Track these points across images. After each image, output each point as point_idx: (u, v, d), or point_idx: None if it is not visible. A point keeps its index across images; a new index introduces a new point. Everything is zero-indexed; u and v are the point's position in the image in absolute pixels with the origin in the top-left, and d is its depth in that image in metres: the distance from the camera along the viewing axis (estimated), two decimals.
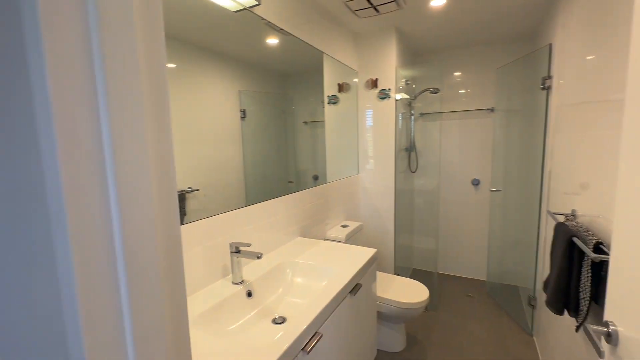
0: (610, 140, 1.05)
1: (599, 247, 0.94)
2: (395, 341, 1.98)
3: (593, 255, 0.88)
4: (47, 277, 0.30)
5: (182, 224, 1.07)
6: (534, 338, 2.08)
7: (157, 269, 0.36)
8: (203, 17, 1.17)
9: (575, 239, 1.02)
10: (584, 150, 1.30)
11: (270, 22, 1.48)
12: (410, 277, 2.14)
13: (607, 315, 0.72)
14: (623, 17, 0.99)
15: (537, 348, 1.97)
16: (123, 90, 0.32)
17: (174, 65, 1.08)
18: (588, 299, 0.98)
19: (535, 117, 2.12)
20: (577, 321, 1.06)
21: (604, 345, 0.71)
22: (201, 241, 1.13)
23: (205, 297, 1.06)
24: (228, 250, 1.23)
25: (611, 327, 0.68)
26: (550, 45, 1.83)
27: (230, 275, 1.21)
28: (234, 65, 1.36)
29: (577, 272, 1.05)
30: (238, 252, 1.17)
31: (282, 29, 1.57)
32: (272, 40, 1.55)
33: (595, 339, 0.67)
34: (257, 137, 1.55)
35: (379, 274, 2.10)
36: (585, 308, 1.00)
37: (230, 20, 1.28)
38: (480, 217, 2.91)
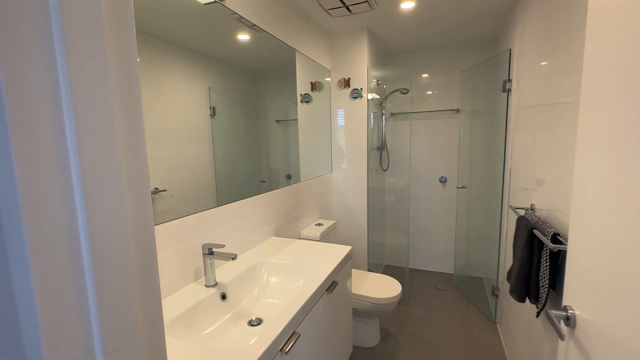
0: (562, 140, 1.14)
1: (556, 238, 1.02)
2: (370, 336, 2.02)
3: (552, 245, 0.95)
4: None
5: None
6: (497, 325, 2.21)
7: (129, 275, 0.33)
8: (170, 9, 1.11)
9: (535, 231, 1.10)
10: (539, 149, 1.40)
11: (242, 17, 1.44)
12: (382, 273, 2.18)
13: (566, 300, 0.78)
14: (574, 27, 1.07)
15: (500, 334, 2.10)
16: (88, 78, 0.29)
17: (138, 60, 1.01)
18: (547, 286, 1.06)
19: (497, 118, 2.25)
20: (537, 307, 1.14)
21: (563, 327, 0.77)
22: (171, 244, 1.07)
23: (177, 302, 1.01)
24: (200, 252, 1.19)
25: (569, 311, 0.73)
26: (510, 50, 1.95)
27: (203, 278, 1.16)
28: (204, 61, 1.31)
29: (537, 262, 1.12)
30: (211, 253, 1.13)
31: (254, 25, 1.53)
32: (244, 36, 1.51)
33: (556, 322, 0.72)
34: (228, 136, 1.50)
35: (353, 271, 2.12)
36: (544, 295, 1.07)
37: (199, 14, 1.23)
38: (447, 213, 3.04)
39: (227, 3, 1.32)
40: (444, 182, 3.01)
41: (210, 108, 1.36)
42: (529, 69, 1.62)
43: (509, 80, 1.97)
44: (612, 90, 0.61)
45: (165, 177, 1.12)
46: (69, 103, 0.28)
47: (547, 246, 1.03)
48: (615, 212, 0.58)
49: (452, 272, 3.05)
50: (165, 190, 1.11)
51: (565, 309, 0.75)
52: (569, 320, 0.73)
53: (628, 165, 0.54)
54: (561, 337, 0.70)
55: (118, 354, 0.32)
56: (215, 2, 1.26)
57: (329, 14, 2.00)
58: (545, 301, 1.08)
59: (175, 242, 1.09)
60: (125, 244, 0.32)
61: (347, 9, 1.92)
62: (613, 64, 0.60)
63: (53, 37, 0.27)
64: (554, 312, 0.75)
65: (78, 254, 0.29)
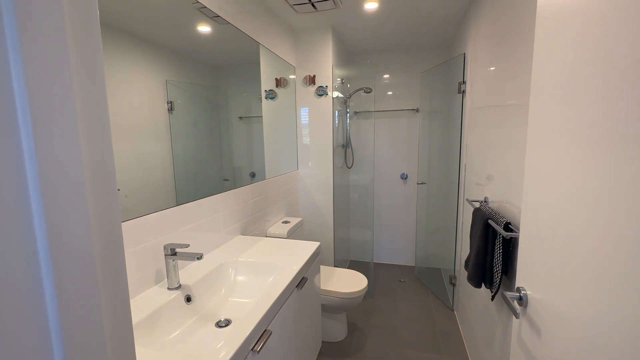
0: (511, 138, 1.24)
1: (508, 227, 1.11)
2: (338, 330, 2.05)
3: (505, 233, 1.04)
4: None
5: None
6: (455, 312, 2.36)
7: (95, 276, 0.30)
8: None
9: (490, 221, 1.19)
10: (491, 147, 1.52)
11: (203, 6, 1.37)
12: (348, 268, 2.23)
13: (519, 282, 0.86)
14: (519, 36, 1.18)
15: (458, 320, 2.25)
16: (46, 60, 0.26)
17: (101, 44, 0.92)
18: (500, 272, 1.15)
19: (453, 118, 2.39)
20: (492, 292, 1.23)
21: (517, 307, 0.84)
22: (128, 245, 0.99)
23: (137, 307, 0.94)
24: (162, 253, 1.12)
25: (522, 292, 0.80)
26: (465, 54, 2.09)
27: (166, 281, 1.10)
28: (160, 52, 1.23)
29: (491, 250, 1.22)
30: (174, 254, 1.07)
31: (216, 16, 1.47)
32: (205, 28, 1.44)
33: (511, 302, 0.79)
34: (188, 132, 1.42)
35: (321, 267, 2.14)
36: (498, 280, 1.16)
37: (156, 1, 1.15)
38: (408, 208, 3.18)
39: None
40: (405, 178, 3.15)
41: (167, 102, 1.28)
42: (480, 72, 1.75)
43: (463, 82, 2.11)
44: (557, 94, 0.67)
45: (118, 175, 1.03)
46: (23, 89, 0.24)
47: (500, 234, 1.12)
48: (560, 202, 0.65)
49: (413, 265, 3.19)
50: (119, 189, 1.03)
51: (518, 290, 0.82)
52: (522, 300, 0.80)
53: (572, 161, 0.60)
54: (516, 315, 0.77)
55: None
56: None
57: (294, 9, 1.99)
58: (499, 285, 1.17)
59: (132, 243, 1.01)
60: (88, 239, 0.29)
61: (313, 5, 1.92)
62: (557, 71, 0.67)
63: (3, 19, 0.23)
64: (508, 294, 0.82)
65: (34, 251, 0.26)
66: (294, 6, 1.94)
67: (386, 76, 3.06)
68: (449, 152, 2.49)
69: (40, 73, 0.25)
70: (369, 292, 2.63)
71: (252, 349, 0.84)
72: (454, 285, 2.35)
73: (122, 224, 0.98)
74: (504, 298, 0.81)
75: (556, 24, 0.67)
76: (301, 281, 1.25)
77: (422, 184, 2.89)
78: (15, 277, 0.25)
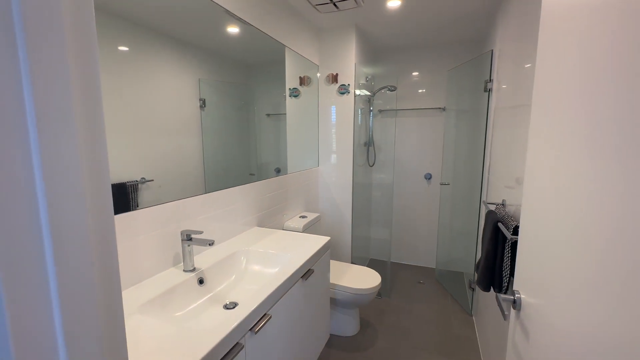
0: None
1: (517, 230, 1.08)
2: (349, 326, 2.08)
3: (510, 236, 1.01)
4: None
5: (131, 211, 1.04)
6: (473, 318, 2.29)
7: (91, 259, 0.37)
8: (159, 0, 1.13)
9: (499, 224, 1.16)
10: (514, 148, 1.46)
11: (228, 11, 1.46)
12: (367, 267, 2.24)
13: (515, 286, 0.84)
14: None
15: (475, 326, 2.18)
16: (48, 70, 0.33)
17: (126, 49, 1.03)
18: (508, 275, 1.12)
19: (479, 117, 2.31)
20: None
21: (511, 311, 0.83)
22: (151, 229, 1.11)
23: (154, 284, 1.05)
24: (180, 238, 1.22)
25: (516, 295, 0.79)
26: (492, 51, 2.01)
27: (182, 264, 1.20)
28: (194, 52, 1.32)
29: (501, 253, 1.19)
30: (189, 239, 1.17)
31: (241, 19, 1.56)
32: (233, 29, 1.53)
33: (502, 304, 0.78)
34: (218, 128, 1.52)
35: (336, 263, 2.18)
36: (506, 283, 1.13)
37: (186, 5, 1.25)
38: (431, 209, 3.11)
39: None
40: (429, 178, 3.08)
41: (200, 100, 1.37)
42: (508, 70, 1.68)
43: (490, 80, 2.03)
44: (557, 96, 0.66)
45: (152, 167, 1.14)
46: (30, 92, 0.31)
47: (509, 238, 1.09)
48: (553, 206, 0.64)
49: (434, 267, 3.12)
50: (152, 180, 1.14)
51: (513, 293, 0.81)
52: (515, 303, 0.79)
53: (569, 164, 0.59)
54: (504, 317, 0.76)
55: (77, 324, 0.36)
56: None
57: (317, 9, 2.03)
58: (507, 289, 1.14)
59: (155, 227, 1.12)
60: (84, 228, 0.36)
61: (335, 5, 1.96)
62: (558, 75, 0.66)
63: (14, 28, 0.30)
64: (502, 296, 0.81)
65: (39, 229, 0.33)
66: (317, 6, 1.98)
67: (414, 74, 3.01)
68: (474, 152, 2.41)
69: (44, 80, 0.32)
70: (385, 291, 2.62)
71: (250, 329, 0.91)
72: (473, 290, 2.28)
73: (149, 208, 1.10)
74: (497, 300, 0.81)
75: (561, 23, 0.66)
76: (307, 272, 1.30)
77: (445, 184, 2.81)
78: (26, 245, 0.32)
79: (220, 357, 0.79)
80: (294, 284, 1.19)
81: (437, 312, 2.38)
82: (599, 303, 0.45)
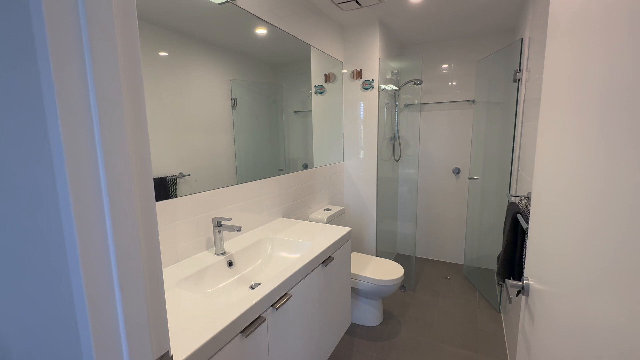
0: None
1: None
2: (373, 316, 2.13)
3: (525, 225, 1.01)
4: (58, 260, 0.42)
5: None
6: (502, 315, 2.24)
7: (138, 243, 0.47)
8: (190, 8, 1.25)
9: (518, 215, 1.15)
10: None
11: (255, 15, 1.56)
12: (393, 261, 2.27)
13: (526, 272, 0.86)
14: None
15: (503, 323, 2.13)
16: (107, 83, 0.43)
17: (166, 54, 1.16)
18: None
19: (509, 109, 2.23)
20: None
21: (522, 297, 0.84)
22: (188, 215, 1.24)
23: (189, 264, 1.19)
24: (211, 224, 1.35)
25: (525, 282, 0.81)
26: (522, 40, 1.94)
27: (213, 248, 1.33)
28: (225, 54, 1.43)
29: (521, 244, 1.18)
30: (220, 225, 1.29)
31: (267, 22, 1.65)
32: (261, 31, 1.63)
33: (508, 289, 0.80)
34: (249, 126, 1.63)
35: (360, 255, 2.23)
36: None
37: (215, 12, 1.37)
38: (460, 204, 3.05)
39: (238, 2, 1.45)
40: (457, 173, 3.02)
41: (231, 99, 1.49)
42: (538, 59, 1.62)
43: (519, 70, 1.96)
44: (562, 92, 0.67)
45: (189, 163, 1.27)
46: (95, 101, 0.42)
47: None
48: (556, 195, 0.66)
49: (462, 263, 3.06)
50: (189, 175, 1.27)
51: (522, 279, 0.83)
52: (524, 290, 0.80)
53: (574, 156, 0.61)
54: (509, 300, 0.78)
55: (126, 260, 0.46)
56: (227, 1, 1.40)
57: (340, 7, 2.08)
58: None
59: (190, 214, 1.26)
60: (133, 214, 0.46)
61: (357, 2, 1.99)
62: (563, 71, 0.67)
63: (83, 44, 0.41)
64: (510, 282, 0.83)
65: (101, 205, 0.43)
66: (340, 4, 2.03)
67: (443, 66, 2.95)
68: (504, 145, 2.33)
69: (104, 95, 0.42)
70: (410, 285, 2.63)
71: (272, 305, 1.00)
72: (501, 285, 2.22)
73: (187, 196, 1.23)
74: (505, 286, 0.83)
75: (569, 24, 0.67)
76: (327, 259, 1.37)
77: (473, 179, 2.74)
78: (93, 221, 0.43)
79: (245, 326, 0.89)
80: (314, 269, 1.27)
81: (463, 308, 2.35)
82: (604, 288, 0.45)
